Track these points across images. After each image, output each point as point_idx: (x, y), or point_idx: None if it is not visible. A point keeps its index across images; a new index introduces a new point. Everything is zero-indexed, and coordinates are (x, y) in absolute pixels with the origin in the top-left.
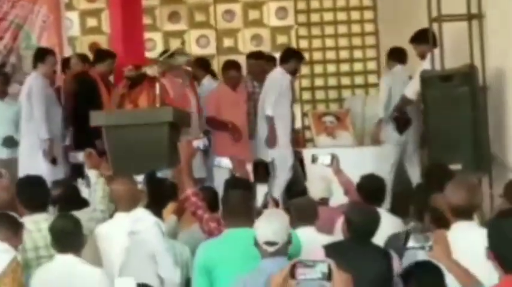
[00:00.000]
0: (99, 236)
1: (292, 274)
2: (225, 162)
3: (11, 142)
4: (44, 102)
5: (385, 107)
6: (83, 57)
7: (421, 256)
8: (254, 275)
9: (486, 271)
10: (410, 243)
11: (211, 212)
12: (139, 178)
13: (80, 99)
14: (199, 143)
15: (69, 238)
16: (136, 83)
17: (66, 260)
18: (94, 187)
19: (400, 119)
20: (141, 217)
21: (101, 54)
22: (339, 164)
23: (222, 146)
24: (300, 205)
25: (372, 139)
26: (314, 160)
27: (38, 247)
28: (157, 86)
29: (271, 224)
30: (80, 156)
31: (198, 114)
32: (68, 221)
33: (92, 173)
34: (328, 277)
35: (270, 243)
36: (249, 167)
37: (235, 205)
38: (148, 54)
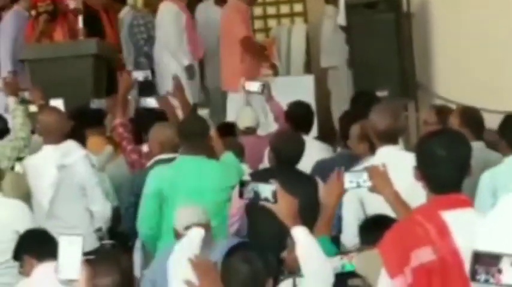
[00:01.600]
0: (27, 169)
1: (240, 194)
2: (150, 101)
3: None
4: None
5: None
6: None
7: None
8: None
9: (412, 192)
10: (347, 184)
11: (136, 144)
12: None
13: None
14: (138, 74)
15: None
16: (53, 17)
17: None
18: (13, 113)
19: None
20: (70, 149)
21: None
22: (270, 91)
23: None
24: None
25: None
26: (243, 88)
27: None
28: (80, 19)
29: None
30: None
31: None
32: None
33: (10, 100)
34: (274, 198)
35: None
36: None
37: (194, 132)
38: None
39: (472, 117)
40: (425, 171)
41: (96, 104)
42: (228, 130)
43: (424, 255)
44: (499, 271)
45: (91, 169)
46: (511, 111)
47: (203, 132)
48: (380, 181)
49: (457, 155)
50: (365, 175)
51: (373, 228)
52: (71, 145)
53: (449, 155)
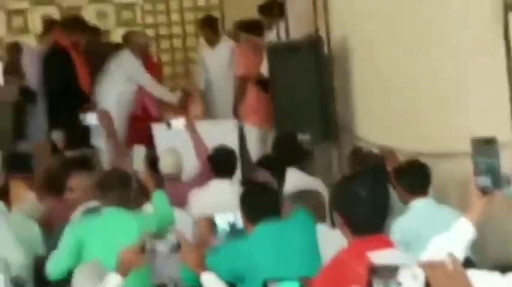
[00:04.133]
0: None
1: (142, 248)
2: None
3: None
4: None
5: None
6: None
7: None
8: None
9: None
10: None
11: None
12: None
13: None
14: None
15: None
16: None
17: None
18: None
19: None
20: None
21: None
22: (194, 125)
23: None
24: None
25: None
26: (169, 125)
27: None
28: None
29: None
30: None
31: None
32: None
33: None
34: (177, 247)
35: None
36: None
37: (112, 186)
38: None
39: (364, 158)
40: (347, 214)
41: (23, 147)
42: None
43: None
44: (399, 285)
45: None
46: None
47: (122, 186)
48: None
49: (377, 195)
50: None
51: None
52: None
53: (370, 196)
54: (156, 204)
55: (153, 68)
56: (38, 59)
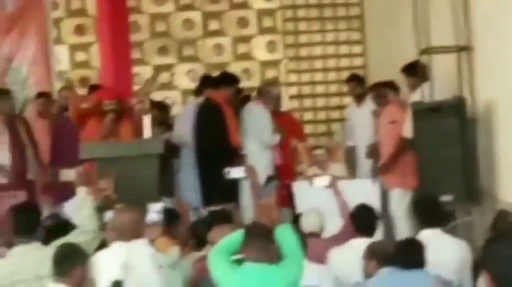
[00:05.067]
0: (93, 264)
1: None
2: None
3: None
4: None
5: None
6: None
7: None
8: None
9: None
10: None
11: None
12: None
13: None
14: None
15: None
16: (118, 117)
17: None
18: (81, 204)
19: None
20: (138, 248)
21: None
22: (337, 185)
23: None
24: None
25: None
26: (311, 183)
27: None
28: (146, 118)
29: None
30: (70, 173)
31: None
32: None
33: (81, 191)
34: None
35: None
36: None
37: (254, 237)
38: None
39: (505, 222)
40: (494, 272)
41: (167, 203)
42: None
43: None
44: None
45: (157, 269)
46: None
47: (262, 239)
48: None
49: None
50: None
51: None
52: (139, 243)
53: None
54: (282, 240)
55: (286, 122)
56: (187, 113)
